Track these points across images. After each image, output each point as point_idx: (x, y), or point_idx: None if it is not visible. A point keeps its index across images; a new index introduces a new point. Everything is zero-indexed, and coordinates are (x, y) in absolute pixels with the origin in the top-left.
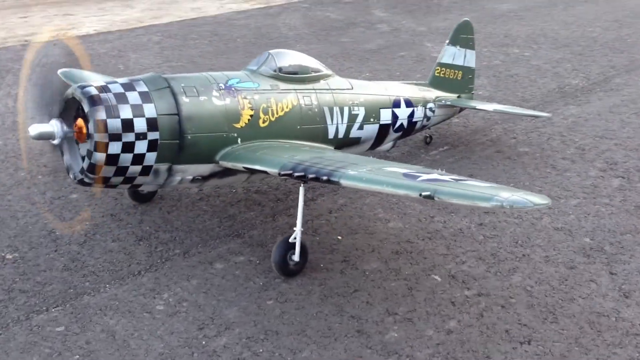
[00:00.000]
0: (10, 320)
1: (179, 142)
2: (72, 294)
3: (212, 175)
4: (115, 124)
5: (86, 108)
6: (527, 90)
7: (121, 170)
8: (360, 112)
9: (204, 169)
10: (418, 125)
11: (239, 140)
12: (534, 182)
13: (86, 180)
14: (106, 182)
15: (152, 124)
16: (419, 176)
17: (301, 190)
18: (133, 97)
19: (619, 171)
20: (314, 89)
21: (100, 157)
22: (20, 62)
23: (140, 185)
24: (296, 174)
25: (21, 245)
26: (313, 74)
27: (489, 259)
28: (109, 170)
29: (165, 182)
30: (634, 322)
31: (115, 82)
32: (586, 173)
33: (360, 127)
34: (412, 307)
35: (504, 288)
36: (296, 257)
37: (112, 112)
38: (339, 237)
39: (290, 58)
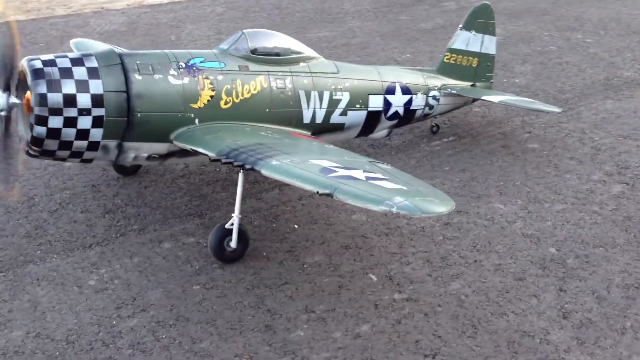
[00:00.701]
0: None
1: (128, 119)
2: (21, 261)
3: (170, 154)
4: (55, 98)
5: (29, 81)
6: (570, 80)
7: (65, 144)
8: (344, 98)
9: (160, 147)
10: (419, 113)
11: (197, 120)
12: (526, 182)
13: (31, 152)
14: (52, 155)
15: (97, 101)
16: (336, 172)
17: (240, 176)
18: (80, 72)
19: (626, 177)
20: (290, 72)
21: (40, 130)
22: (85, 28)
23: (90, 159)
24: (224, 160)
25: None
26: (290, 56)
27: (437, 262)
28: (52, 144)
29: (118, 158)
30: (559, 346)
31: (65, 56)
32: (588, 176)
33: (343, 113)
34: (333, 306)
35: (437, 295)
36: (233, 244)
37: (53, 87)
38: (295, 226)
39: (266, 39)
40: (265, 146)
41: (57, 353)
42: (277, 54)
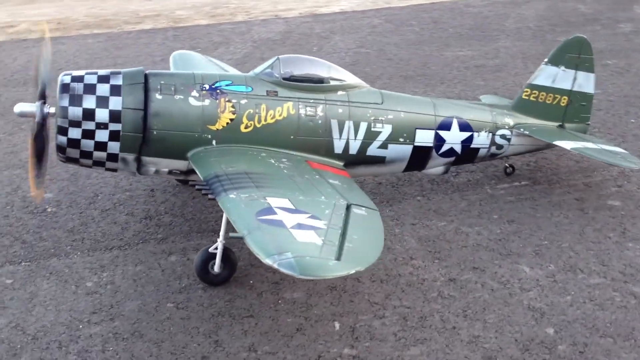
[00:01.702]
0: None
1: (144, 136)
2: (50, 253)
3: (191, 171)
4: (75, 112)
5: (57, 94)
6: None
7: (86, 154)
8: (385, 130)
9: (178, 164)
10: (483, 153)
11: (214, 142)
12: (574, 246)
13: (58, 158)
14: (76, 162)
15: (115, 116)
16: (275, 214)
17: None
18: (103, 89)
19: None
20: (324, 100)
21: (62, 139)
22: (244, 35)
23: (114, 169)
24: (197, 187)
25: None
26: (327, 84)
27: (413, 321)
28: (74, 152)
29: (140, 170)
30: None
31: (95, 73)
32: None
33: (383, 146)
34: (277, 349)
35: (388, 358)
36: (217, 268)
37: (77, 101)
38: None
39: (302, 65)
40: (248, 176)
41: (19, 346)
42: (311, 81)
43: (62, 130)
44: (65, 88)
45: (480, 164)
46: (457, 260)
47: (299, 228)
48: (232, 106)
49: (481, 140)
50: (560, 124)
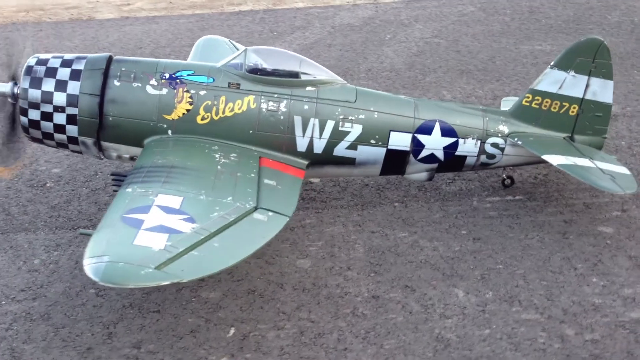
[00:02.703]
0: None
1: (100, 121)
2: (22, 228)
3: None
4: (34, 94)
5: (21, 75)
6: None
7: (48, 135)
8: (354, 130)
9: (137, 151)
10: (470, 161)
11: (169, 132)
12: (528, 274)
13: (26, 137)
14: (41, 142)
15: (71, 101)
16: (142, 213)
17: None
18: (63, 73)
19: None
20: (289, 95)
21: (24, 120)
22: (328, 20)
23: (79, 152)
24: (112, 177)
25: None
26: (294, 79)
27: (309, 337)
28: (36, 133)
29: (102, 154)
30: None
31: (60, 57)
32: (619, 288)
33: (352, 147)
34: (159, 349)
35: None
36: None
37: (35, 84)
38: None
39: (270, 58)
40: (169, 170)
41: None
42: (277, 75)
43: (23, 111)
44: (28, 70)
45: (483, 173)
46: (393, 276)
47: (153, 230)
48: (190, 97)
49: (467, 147)
50: (569, 135)
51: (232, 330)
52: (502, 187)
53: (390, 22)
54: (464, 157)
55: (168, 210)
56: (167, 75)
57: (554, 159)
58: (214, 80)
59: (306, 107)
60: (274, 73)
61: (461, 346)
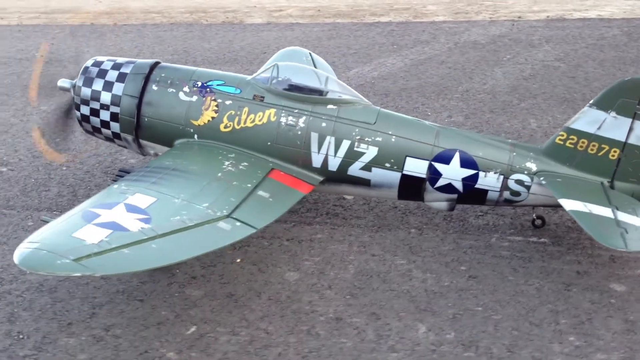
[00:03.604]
0: None
1: (137, 121)
2: (18, 207)
3: None
4: (86, 92)
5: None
6: None
7: (97, 129)
8: (369, 152)
9: None
10: (493, 196)
11: (196, 136)
12: (501, 323)
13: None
14: (93, 134)
15: (115, 100)
16: (107, 208)
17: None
18: (111, 75)
19: None
20: (310, 112)
21: (77, 114)
22: (453, 37)
23: (125, 146)
24: (118, 172)
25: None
26: (316, 96)
27: (253, 347)
28: (87, 126)
29: (142, 151)
30: None
31: (113, 61)
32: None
33: (366, 168)
34: (122, 332)
35: None
36: None
37: (88, 83)
38: (238, 260)
39: (297, 74)
40: (167, 172)
41: None
42: (301, 91)
43: (77, 106)
44: (85, 70)
45: (520, 210)
46: (367, 301)
47: (100, 225)
48: (216, 105)
49: (489, 181)
50: (609, 180)
51: (193, 329)
52: (532, 227)
53: (519, 41)
54: (485, 191)
55: (132, 208)
56: (200, 84)
57: (569, 204)
58: (240, 91)
59: (324, 124)
60: (298, 89)
61: None
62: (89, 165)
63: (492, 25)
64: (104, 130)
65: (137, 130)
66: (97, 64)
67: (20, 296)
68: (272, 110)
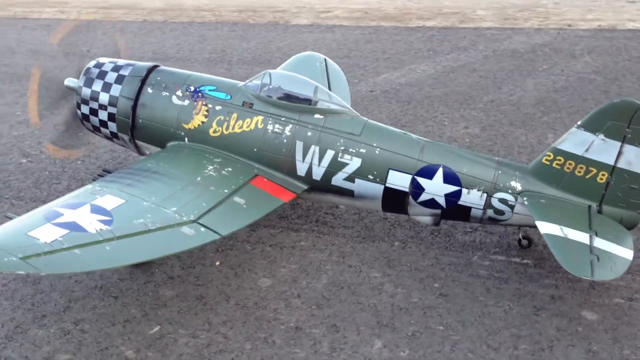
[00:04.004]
0: None
1: (131, 122)
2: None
3: None
4: (86, 92)
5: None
6: None
7: (97, 128)
8: (353, 163)
9: None
10: (476, 213)
11: (186, 139)
12: (458, 345)
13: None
14: (95, 133)
15: (112, 101)
16: (72, 209)
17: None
18: (111, 76)
19: None
20: (296, 120)
21: (79, 113)
22: (523, 43)
23: (124, 146)
24: (101, 171)
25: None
26: (303, 105)
27: (202, 349)
28: (88, 125)
29: (139, 151)
30: None
31: (114, 63)
32: None
33: (349, 179)
34: (86, 324)
35: None
36: None
37: (89, 83)
38: (217, 263)
39: (284, 82)
40: (145, 174)
41: None
42: (289, 100)
43: (78, 105)
44: (86, 71)
45: (511, 228)
46: (331, 312)
47: (59, 225)
48: (207, 110)
49: (472, 199)
50: (597, 205)
51: (156, 329)
52: (517, 247)
53: (559, 51)
54: (469, 208)
55: (97, 210)
56: (192, 89)
57: (545, 227)
58: (231, 97)
59: (309, 133)
60: (286, 97)
61: None
62: (102, 161)
63: (536, 33)
64: (102, 129)
65: (132, 130)
66: (98, 65)
67: (6, 285)
68: (260, 118)
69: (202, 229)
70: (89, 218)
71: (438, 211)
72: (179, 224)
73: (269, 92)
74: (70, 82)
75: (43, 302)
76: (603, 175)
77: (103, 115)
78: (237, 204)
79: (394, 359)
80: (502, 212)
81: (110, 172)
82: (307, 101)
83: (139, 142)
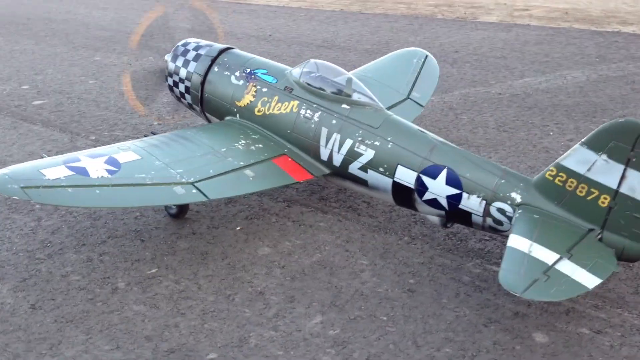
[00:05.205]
0: None
1: (200, 95)
2: None
3: None
4: (171, 66)
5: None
6: None
7: (179, 98)
8: (367, 154)
9: None
10: (476, 220)
11: (237, 115)
12: (393, 349)
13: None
14: (180, 101)
15: (188, 76)
16: (91, 158)
17: None
18: (191, 55)
19: None
20: (325, 108)
21: (167, 83)
22: None
23: (199, 116)
24: (145, 134)
25: None
26: (334, 95)
27: (155, 331)
28: (174, 95)
29: (209, 121)
30: None
31: (197, 43)
32: None
33: (363, 169)
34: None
35: None
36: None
37: (174, 59)
38: (239, 228)
39: (322, 72)
40: (178, 138)
41: None
42: (321, 88)
43: (165, 77)
44: (175, 49)
45: None
46: (299, 286)
47: (70, 168)
48: (255, 91)
49: (471, 204)
50: (598, 230)
51: (154, 270)
52: None
53: None
54: (469, 213)
55: (111, 161)
56: (248, 71)
57: (513, 240)
58: (277, 81)
59: (334, 121)
60: (320, 86)
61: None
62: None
63: None
64: (182, 100)
65: (201, 103)
66: (185, 44)
67: (73, 215)
68: (296, 102)
69: (194, 190)
70: (99, 166)
71: (442, 212)
72: (175, 183)
73: (307, 79)
74: (166, 56)
75: (90, 234)
76: (605, 198)
77: (182, 87)
78: (244, 176)
79: (322, 335)
80: (500, 222)
81: (155, 134)
82: (338, 91)
83: (208, 115)
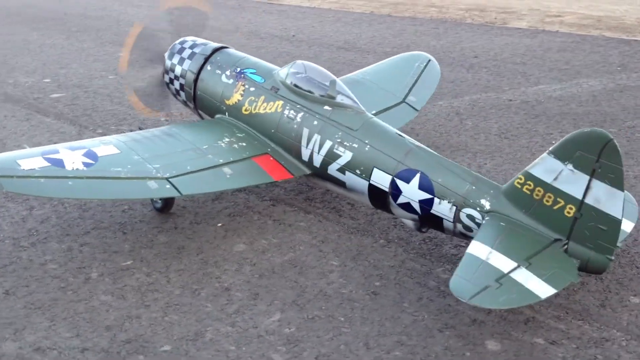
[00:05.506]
0: None
1: (193, 93)
2: None
3: None
4: (167, 63)
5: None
6: None
7: (174, 95)
8: (345, 156)
9: None
10: (448, 225)
11: (227, 113)
12: (352, 347)
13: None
14: (176, 97)
15: (183, 73)
16: (72, 151)
17: None
18: (186, 53)
19: None
20: (307, 109)
21: (164, 79)
22: None
23: (194, 113)
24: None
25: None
26: (315, 96)
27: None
28: (170, 91)
29: (202, 118)
30: None
31: (194, 42)
32: None
33: (341, 170)
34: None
35: None
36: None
37: (171, 57)
38: (220, 225)
39: (306, 72)
40: (158, 138)
41: None
42: (305, 89)
43: (162, 74)
44: (172, 47)
45: None
46: (266, 284)
47: (47, 160)
48: (243, 90)
49: (442, 209)
50: (564, 240)
51: (128, 262)
52: None
53: None
54: (441, 218)
55: (89, 154)
56: (238, 70)
57: (473, 247)
58: (264, 81)
59: (315, 122)
60: (305, 87)
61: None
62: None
63: None
64: (178, 97)
65: (194, 100)
66: (181, 42)
67: (63, 205)
68: (281, 102)
69: (167, 185)
70: (76, 159)
71: (415, 216)
72: (149, 178)
73: (293, 80)
74: (165, 54)
75: (76, 225)
76: (570, 208)
77: (177, 85)
78: (221, 173)
79: (277, 332)
80: (470, 229)
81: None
82: (323, 93)
83: (200, 112)
